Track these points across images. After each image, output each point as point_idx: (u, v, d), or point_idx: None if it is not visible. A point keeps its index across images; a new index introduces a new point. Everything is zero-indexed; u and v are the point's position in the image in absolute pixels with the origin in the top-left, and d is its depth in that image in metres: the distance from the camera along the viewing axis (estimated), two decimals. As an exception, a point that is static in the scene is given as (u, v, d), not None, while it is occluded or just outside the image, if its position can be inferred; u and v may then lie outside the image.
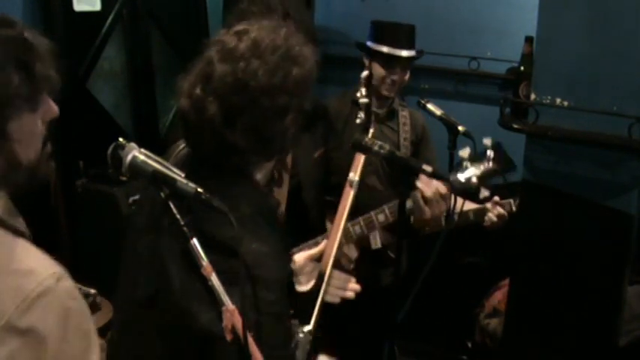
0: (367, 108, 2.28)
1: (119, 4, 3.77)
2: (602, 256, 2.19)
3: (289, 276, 1.70)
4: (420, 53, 2.81)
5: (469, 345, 3.26)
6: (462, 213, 2.48)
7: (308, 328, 1.70)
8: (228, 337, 1.24)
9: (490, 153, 2.20)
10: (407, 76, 2.77)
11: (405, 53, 2.72)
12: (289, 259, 1.61)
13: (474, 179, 2.15)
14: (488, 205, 2.56)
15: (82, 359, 1.07)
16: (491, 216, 2.54)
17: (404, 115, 2.82)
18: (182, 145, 1.58)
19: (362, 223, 2.36)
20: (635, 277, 2.36)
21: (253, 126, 1.37)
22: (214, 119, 1.39)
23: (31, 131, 1.14)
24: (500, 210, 2.55)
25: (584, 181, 2.22)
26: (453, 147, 2.48)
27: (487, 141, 2.26)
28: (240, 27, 1.45)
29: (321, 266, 1.83)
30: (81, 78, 3.65)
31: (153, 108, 4.06)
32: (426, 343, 3.60)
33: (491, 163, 2.18)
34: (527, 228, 2.38)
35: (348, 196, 1.96)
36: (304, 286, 1.78)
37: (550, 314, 2.33)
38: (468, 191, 2.17)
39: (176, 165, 1.41)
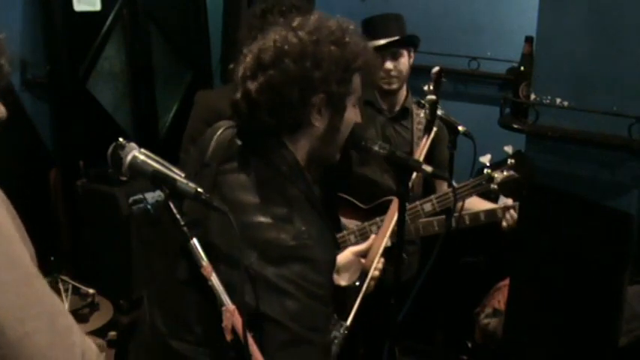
0: (433, 105, 2.29)
1: (119, 4, 3.77)
2: (602, 256, 2.19)
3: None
4: (411, 38, 2.75)
5: (469, 345, 3.26)
6: (473, 214, 2.53)
7: (345, 324, 1.70)
8: (228, 337, 1.24)
9: (511, 161, 2.24)
10: (403, 65, 2.72)
11: (394, 35, 2.71)
12: (336, 244, 1.60)
13: (493, 185, 2.20)
14: (499, 206, 2.56)
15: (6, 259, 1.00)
16: (504, 219, 2.55)
17: (419, 114, 2.80)
18: (222, 128, 1.56)
19: (380, 224, 2.38)
20: (635, 277, 2.36)
21: (271, 83, 1.41)
22: (245, 72, 1.44)
23: None
24: (513, 213, 2.54)
25: (584, 181, 2.22)
26: (453, 147, 2.48)
27: (508, 148, 2.29)
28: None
29: (365, 263, 1.85)
30: (81, 78, 3.65)
31: (153, 108, 4.06)
32: (426, 343, 3.60)
33: (511, 171, 2.22)
34: (527, 228, 2.38)
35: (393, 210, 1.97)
36: (344, 281, 1.82)
37: (550, 314, 2.33)
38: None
39: (218, 147, 1.48)
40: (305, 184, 1.46)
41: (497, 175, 2.27)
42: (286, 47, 1.42)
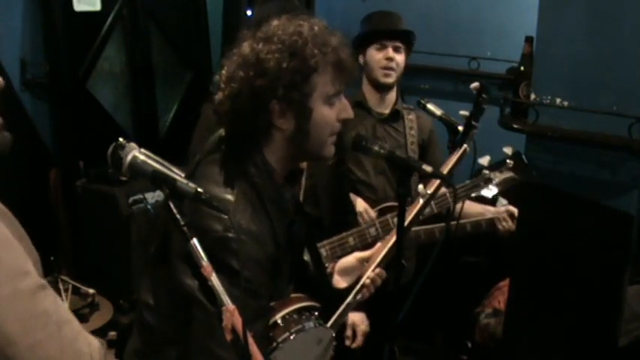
0: (468, 123, 2.19)
1: (119, 4, 3.77)
2: (602, 256, 2.19)
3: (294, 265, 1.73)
4: (411, 33, 2.77)
5: (469, 345, 3.26)
6: (475, 222, 2.54)
7: (323, 323, 1.70)
8: (228, 336, 1.24)
9: (509, 162, 2.23)
10: (401, 60, 2.72)
11: (397, 27, 2.73)
12: (285, 248, 1.62)
13: (492, 186, 2.20)
14: (500, 213, 2.57)
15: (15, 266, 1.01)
16: (500, 227, 2.56)
17: (410, 118, 2.80)
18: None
19: (377, 226, 2.43)
20: (635, 277, 2.36)
21: (229, 95, 1.51)
22: (220, 82, 1.56)
23: None
24: (510, 224, 2.55)
25: (584, 181, 2.22)
26: (454, 147, 2.48)
27: (507, 149, 2.28)
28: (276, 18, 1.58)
29: (364, 270, 1.87)
30: (81, 78, 3.65)
31: (153, 108, 4.07)
32: (426, 343, 3.60)
33: (510, 172, 2.22)
34: (527, 228, 2.38)
35: (414, 207, 1.98)
36: (343, 285, 1.86)
37: (550, 314, 2.33)
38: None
39: (213, 140, 1.60)
40: (270, 188, 1.53)
41: (496, 177, 2.27)
42: (241, 60, 1.51)
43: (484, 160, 2.25)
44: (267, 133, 1.54)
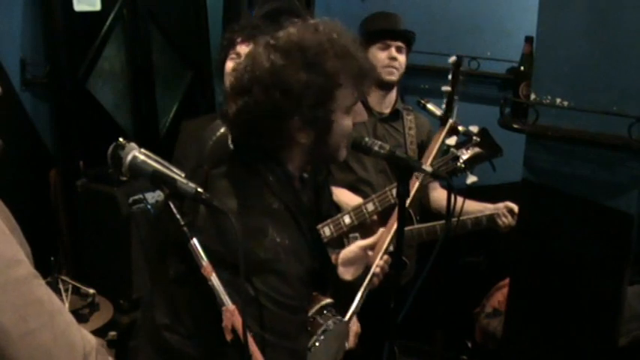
0: (450, 97, 2.34)
1: (119, 4, 3.77)
2: (602, 256, 2.19)
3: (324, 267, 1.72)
4: (412, 34, 2.83)
5: (469, 345, 3.26)
6: (475, 218, 2.56)
7: (341, 318, 1.70)
8: (228, 337, 1.24)
9: (476, 138, 2.28)
10: (403, 61, 2.79)
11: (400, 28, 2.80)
12: (314, 255, 1.60)
13: (460, 163, 2.24)
14: (499, 209, 2.59)
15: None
16: (500, 222, 2.58)
17: (409, 119, 2.85)
18: (222, 129, 1.58)
19: (352, 214, 2.45)
20: (635, 277, 2.37)
21: (245, 110, 1.42)
22: (229, 91, 1.48)
23: None
24: (510, 219, 2.57)
25: (584, 181, 2.22)
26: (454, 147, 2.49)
27: (473, 128, 2.33)
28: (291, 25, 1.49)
29: (371, 258, 1.87)
30: (81, 78, 3.65)
31: (153, 108, 4.06)
32: (426, 343, 3.60)
33: (477, 148, 2.27)
34: (527, 227, 2.38)
35: (412, 187, 2.04)
36: (349, 276, 1.84)
37: (550, 314, 2.33)
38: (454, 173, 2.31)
39: (214, 148, 1.53)
40: (292, 195, 1.49)
41: (463, 154, 2.31)
42: (257, 73, 1.42)
43: (451, 140, 2.30)
44: (286, 146, 1.48)
